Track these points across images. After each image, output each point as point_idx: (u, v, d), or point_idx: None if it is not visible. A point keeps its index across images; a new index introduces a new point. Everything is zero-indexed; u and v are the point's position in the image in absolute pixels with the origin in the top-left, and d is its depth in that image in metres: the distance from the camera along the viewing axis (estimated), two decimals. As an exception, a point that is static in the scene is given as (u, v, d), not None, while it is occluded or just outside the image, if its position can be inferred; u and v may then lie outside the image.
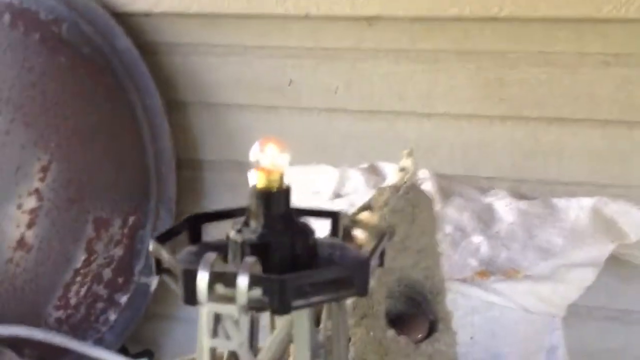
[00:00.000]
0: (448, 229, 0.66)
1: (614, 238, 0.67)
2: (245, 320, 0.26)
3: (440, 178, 0.74)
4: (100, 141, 0.94)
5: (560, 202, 0.70)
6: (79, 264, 0.93)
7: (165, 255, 0.28)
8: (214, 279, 0.26)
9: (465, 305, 0.62)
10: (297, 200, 0.76)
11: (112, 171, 0.95)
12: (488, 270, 0.62)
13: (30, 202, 0.91)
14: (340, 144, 0.96)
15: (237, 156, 0.99)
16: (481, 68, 0.89)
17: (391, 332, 0.47)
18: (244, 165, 0.97)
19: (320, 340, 0.30)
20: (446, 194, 0.71)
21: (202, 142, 1.00)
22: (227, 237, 0.29)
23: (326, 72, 0.94)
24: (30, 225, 0.91)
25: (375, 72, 0.93)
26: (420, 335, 0.48)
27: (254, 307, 0.26)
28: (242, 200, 0.96)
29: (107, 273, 0.95)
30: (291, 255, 0.28)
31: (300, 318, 0.27)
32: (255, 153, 0.29)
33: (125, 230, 0.95)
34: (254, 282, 0.25)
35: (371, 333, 0.46)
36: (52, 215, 0.92)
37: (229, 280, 0.26)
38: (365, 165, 0.80)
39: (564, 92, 0.88)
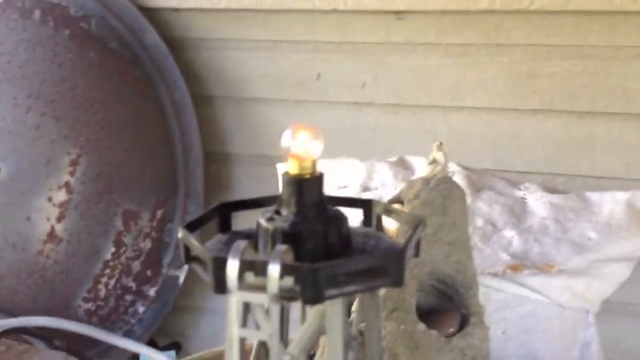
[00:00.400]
0: (479, 222, 0.65)
1: (649, 232, 0.66)
2: (276, 310, 0.25)
3: (470, 171, 0.73)
4: (129, 135, 0.95)
5: (594, 196, 0.68)
6: (108, 257, 0.94)
7: (194, 243, 0.28)
8: (244, 267, 0.25)
9: (498, 299, 0.62)
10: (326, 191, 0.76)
11: (140, 165, 0.95)
12: (521, 264, 0.61)
13: (60, 196, 0.92)
14: (368, 137, 0.95)
15: (264, 150, 0.99)
16: (512, 61, 0.88)
17: (422, 326, 0.46)
18: (272, 159, 0.98)
19: (351, 332, 0.29)
20: (476, 188, 0.70)
21: (230, 136, 1.00)
22: (258, 225, 0.28)
23: (354, 66, 0.93)
24: (60, 218, 0.92)
25: (404, 65, 0.92)
26: (451, 330, 0.47)
27: (285, 296, 0.25)
28: (268, 194, 0.96)
29: (136, 266, 0.96)
30: (324, 244, 0.27)
31: (333, 308, 0.27)
32: (287, 139, 0.29)
33: (154, 224, 0.96)
34: (285, 270, 0.25)
35: (402, 326, 0.46)
36: (81, 208, 0.92)
37: (260, 269, 0.25)
38: (393, 158, 0.79)
39: (597, 85, 0.86)
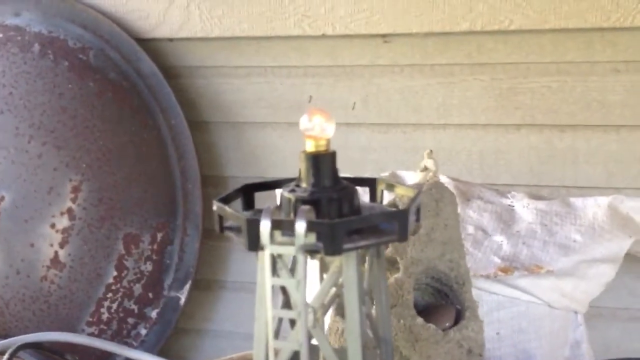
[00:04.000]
0: (470, 229, 0.68)
1: (631, 233, 0.69)
2: (302, 260, 0.29)
3: (459, 182, 0.76)
4: (129, 161, 0.98)
5: (578, 201, 0.72)
6: (110, 280, 0.96)
7: (229, 211, 0.32)
8: (275, 226, 0.29)
9: (490, 301, 0.65)
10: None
11: (140, 189, 0.98)
12: (511, 266, 0.64)
13: (63, 222, 0.94)
14: (359, 156, 0.99)
15: (260, 172, 1.02)
16: (495, 79, 0.92)
17: (420, 320, 0.49)
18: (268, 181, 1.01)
19: (364, 287, 0.33)
20: (465, 197, 0.74)
21: (226, 160, 1.04)
22: (281, 196, 0.32)
23: (344, 89, 0.97)
24: (63, 244, 0.95)
25: (392, 87, 0.96)
26: (447, 324, 0.50)
27: (308, 250, 0.29)
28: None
29: (138, 288, 0.98)
30: (338, 210, 0.31)
31: (349, 263, 0.31)
32: (304, 122, 0.33)
33: (155, 246, 0.99)
34: (309, 227, 0.29)
35: (401, 321, 0.48)
36: (84, 233, 0.95)
37: (288, 227, 0.29)
38: (386, 174, 0.83)
39: (576, 100, 0.90)
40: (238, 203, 0.39)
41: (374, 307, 0.34)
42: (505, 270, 0.64)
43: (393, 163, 0.97)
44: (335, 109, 0.98)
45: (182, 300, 1.00)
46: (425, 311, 0.51)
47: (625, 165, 0.91)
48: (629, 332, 0.93)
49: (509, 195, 0.74)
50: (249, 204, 0.36)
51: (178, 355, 1.07)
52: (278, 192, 0.84)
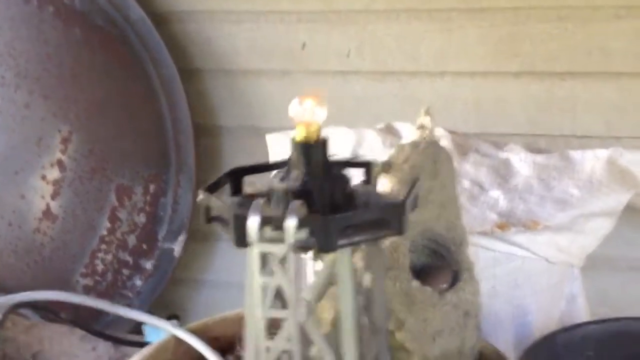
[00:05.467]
0: (466, 184, 0.67)
1: (630, 187, 0.68)
2: (292, 258, 0.28)
3: (455, 135, 0.75)
4: (119, 111, 0.96)
5: (576, 154, 0.71)
6: (103, 232, 0.96)
7: (215, 202, 0.31)
8: (264, 222, 0.28)
9: (487, 257, 0.64)
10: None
11: (131, 140, 0.96)
12: (508, 222, 0.63)
13: (54, 173, 0.93)
14: (355, 105, 0.97)
15: (254, 121, 1.00)
16: (493, 25, 0.90)
17: (416, 283, 0.48)
18: (261, 130, 0.99)
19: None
20: (462, 151, 0.73)
21: (219, 109, 1.02)
22: (271, 185, 0.31)
23: (338, 35, 0.95)
24: (54, 195, 0.93)
25: (387, 33, 0.93)
26: (444, 285, 0.50)
27: (300, 246, 0.28)
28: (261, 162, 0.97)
29: (132, 240, 0.98)
30: (331, 201, 0.30)
31: (343, 258, 0.30)
32: (294, 108, 0.31)
33: (147, 198, 0.97)
34: (301, 223, 0.28)
35: (397, 284, 0.48)
36: (75, 185, 0.94)
37: (278, 223, 0.28)
38: (381, 125, 0.81)
39: (576, 46, 0.88)
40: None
41: (370, 290, 0.33)
42: (501, 227, 0.63)
43: (389, 112, 0.95)
44: (329, 56, 0.96)
45: (177, 252, 0.99)
46: (422, 272, 0.51)
47: (625, 114, 0.89)
48: (626, 281, 0.93)
49: (505, 149, 0.73)
50: (237, 189, 0.34)
51: (174, 305, 1.07)
52: (269, 138, 0.82)
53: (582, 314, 0.70)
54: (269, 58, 0.98)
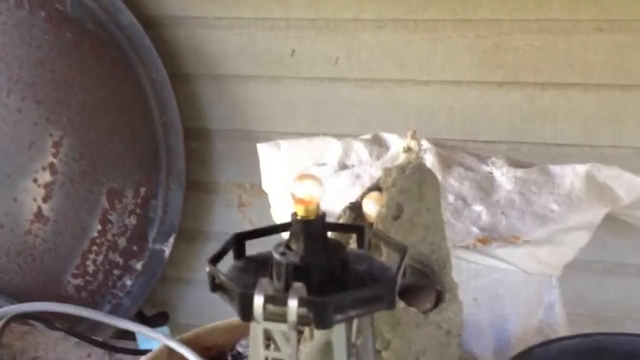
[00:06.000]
0: (450, 198, 0.69)
1: (607, 202, 0.71)
2: (294, 335, 0.31)
3: (440, 148, 0.77)
4: (110, 115, 0.97)
5: (556, 169, 0.73)
6: (94, 234, 0.97)
7: (221, 277, 0.33)
8: (267, 300, 0.31)
9: (469, 269, 0.66)
10: (305, 170, 0.79)
11: (122, 144, 0.98)
12: (490, 237, 0.66)
13: (45, 176, 0.94)
14: (342, 111, 0.99)
15: (243, 125, 1.02)
16: (479, 36, 0.92)
17: (401, 303, 0.51)
18: (250, 134, 1.02)
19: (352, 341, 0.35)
20: (447, 164, 0.75)
21: (209, 113, 1.03)
22: (272, 258, 0.33)
23: (327, 43, 0.97)
24: (46, 198, 0.95)
25: (375, 42, 0.95)
26: (428, 305, 0.52)
27: (300, 322, 0.30)
28: (250, 169, 0.99)
29: (122, 241, 0.99)
30: (328, 272, 0.33)
31: (339, 329, 0.32)
32: (294, 187, 0.33)
33: (138, 200, 0.99)
34: (301, 302, 0.30)
35: (384, 304, 0.50)
36: (66, 188, 0.95)
37: (280, 302, 0.30)
38: (368, 135, 0.83)
39: (558, 58, 0.91)
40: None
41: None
42: (483, 241, 0.66)
43: (375, 119, 0.98)
44: (317, 63, 0.98)
45: (167, 253, 1.01)
46: (407, 292, 0.53)
47: (604, 123, 0.92)
48: (602, 284, 0.97)
49: (489, 162, 0.75)
50: (240, 253, 0.36)
51: (165, 302, 1.09)
52: (260, 147, 0.84)
53: (560, 321, 0.73)
54: (259, 63, 0.99)
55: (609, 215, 0.79)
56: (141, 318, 1.04)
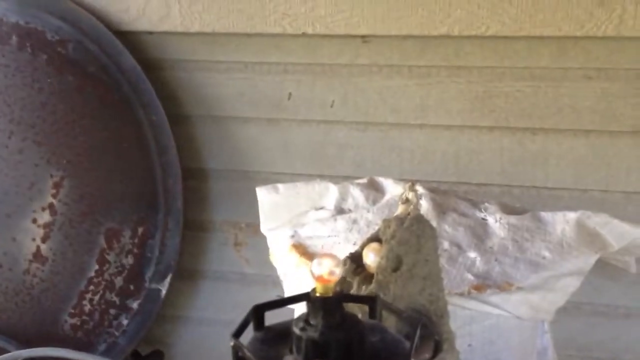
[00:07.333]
0: (445, 244, 0.71)
1: (597, 249, 0.73)
2: None
3: (435, 194, 0.79)
4: (110, 156, 0.99)
5: (547, 216, 0.75)
6: (92, 274, 0.98)
7: (246, 352, 0.35)
8: None
9: (463, 315, 0.68)
10: (303, 213, 0.81)
11: (121, 185, 0.99)
12: (484, 284, 0.68)
13: (45, 217, 0.96)
14: (337, 153, 1.01)
15: (241, 166, 1.04)
16: (471, 82, 0.94)
17: (401, 353, 0.52)
18: (248, 174, 1.03)
19: None
20: (441, 209, 0.77)
21: (208, 154, 1.05)
22: (293, 333, 0.35)
23: (323, 87, 0.99)
24: (45, 238, 0.96)
25: (370, 86, 0.97)
26: (427, 355, 0.54)
27: None
28: (246, 208, 1.01)
29: (119, 281, 1.00)
30: (345, 346, 0.34)
31: None
32: (314, 266, 0.35)
33: (136, 240, 1.00)
34: None
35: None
36: (65, 228, 0.96)
37: None
38: (364, 180, 0.85)
39: (548, 104, 0.93)
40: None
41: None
42: (478, 288, 0.67)
43: (370, 161, 1.00)
44: (314, 106, 1.00)
45: (163, 292, 1.02)
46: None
47: (594, 168, 0.94)
48: (592, 325, 0.99)
49: (482, 208, 0.77)
50: (259, 323, 0.38)
51: (161, 340, 1.10)
52: (259, 191, 0.85)
53: (552, 365, 0.74)
54: (257, 106, 1.01)
55: (599, 259, 0.81)
56: (136, 357, 1.05)
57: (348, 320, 0.35)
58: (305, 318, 0.36)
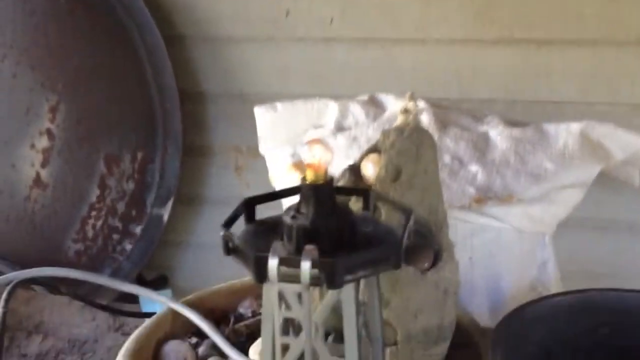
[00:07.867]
0: (446, 158, 0.70)
1: (600, 160, 0.72)
2: (307, 295, 0.32)
3: (436, 108, 0.78)
4: (105, 80, 0.97)
5: (550, 128, 0.74)
6: (93, 199, 0.98)
7: (236, 241, 0.34)
8: (281, 263, 0.32)
9: (464, 229, 0.68)
10: (302, 132, 0.80)
11: (118, 109, 0.98)
12: (485, 197, 0.67)
13: (43, 142, 0.95)
14: (337, 72, 0.99)
15: (239, 88, 1.02)
16: (472, -7, 0.91)
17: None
18: (246, 96, 1.02)
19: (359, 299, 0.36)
20: (443, 124, 0.75)
21: (204, 76, 1.03)
22: (283, 222, 0.34)
23: (321, 3, 0.96)
24: (44, 164, 0.95)
25: (369, 1, 0.95)
26: (426, 265, 0.53)
27: (312, 283, 0.32)
28: (245, 131, 0.99)
29: (121, 206, 1.00)
30: (337, 234, 0.34)
31: (348, 288, 0.34)
32: (304, 152, 0.34)
33: (136, 165, 1.00)
34: (314, 265, 0.31)
35: (383, 265, 0.51)
36: (64, 153, 0.96)
37: (293, 264, 0.32)
38: (364, 97, 0.83)
39: (553, 14, 0.90)
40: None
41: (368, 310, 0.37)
42: (479, 201, 0.67)
43: (371, 79, 0.98)
44: (312, 23, 0.97)
45: (165, 217, 1.02)
46: (406, 252, 0.54)
47: (599, 80, 0.92)
48: (594, 240, 0.98)
49: (484, 121, 0.76)
50: (250, 217, 0.38)
51: (163, 265, 1.11)
52: (257, 110, 0.84)
53: (553, 278, 0.74)
54: (253, 25, 0.99)
55: (601, 173, 0.80)
56: (141, 282, 1.06)
57: (339, 209, 0.35)
58: (296, 207, 0.35)
